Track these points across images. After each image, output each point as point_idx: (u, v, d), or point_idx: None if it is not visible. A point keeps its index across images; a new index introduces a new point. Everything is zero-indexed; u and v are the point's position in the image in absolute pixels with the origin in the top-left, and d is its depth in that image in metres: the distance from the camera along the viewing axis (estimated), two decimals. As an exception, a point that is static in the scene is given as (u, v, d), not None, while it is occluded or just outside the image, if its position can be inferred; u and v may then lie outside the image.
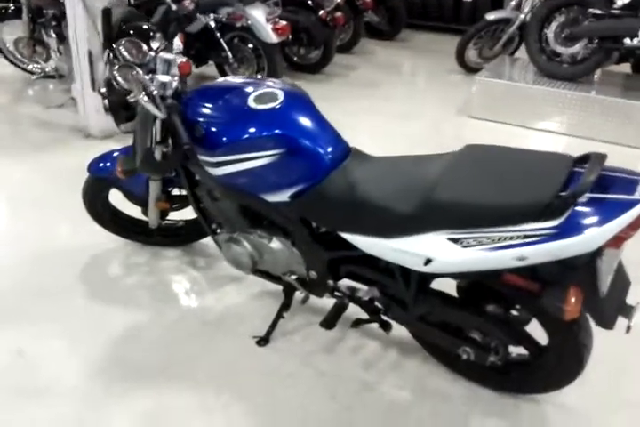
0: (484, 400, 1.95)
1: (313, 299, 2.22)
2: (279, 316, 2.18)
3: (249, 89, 1.79)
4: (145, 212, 2.46)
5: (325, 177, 1.70)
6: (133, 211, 2.58)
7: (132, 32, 3.65)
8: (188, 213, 2.53)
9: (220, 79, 1.94)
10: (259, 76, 1.95)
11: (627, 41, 3.98)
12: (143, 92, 1.66)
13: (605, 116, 4.16)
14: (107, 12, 1.79)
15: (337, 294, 1.98)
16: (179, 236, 2.64)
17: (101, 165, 2.29)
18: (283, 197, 1.77)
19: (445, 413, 1.91)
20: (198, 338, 2.20)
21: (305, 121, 1.73)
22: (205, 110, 1.77)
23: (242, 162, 1.73)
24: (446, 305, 1.74)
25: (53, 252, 2.66)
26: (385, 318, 1.98)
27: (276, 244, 1.95)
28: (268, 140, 1.68)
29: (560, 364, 1.72)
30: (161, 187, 2.25)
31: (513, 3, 5.12)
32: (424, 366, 2.08)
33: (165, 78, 1.81)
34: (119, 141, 3.77)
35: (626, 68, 5.00)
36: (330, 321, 1.93)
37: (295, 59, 5.19)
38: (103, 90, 1.92)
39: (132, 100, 1.68)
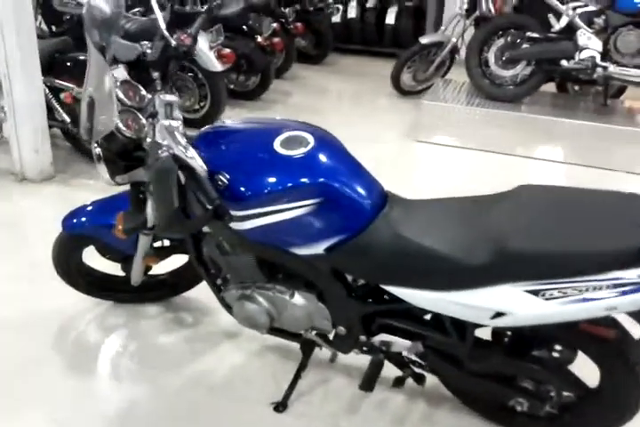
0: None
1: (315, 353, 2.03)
2: (297, 377, 1.98)
3: (270, 132, 1.61)
4: (125, 268, 2.19)
5: (367, 226, 1.55)
6: (103, 266, 2.30)
7: (68, 64, 3.35)
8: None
9: (231, 120, 1.75)
10: (277, 117, 1.77)
11: (564, 63, 4.14)
12: (186, 147, 1.43)
13: (546, 134, 4.30)
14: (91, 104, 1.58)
15: (365, 349, 1.82)
16: (159, 291, 2.37)
17: (76, 220, 2.01)
18: (317, 249, 1.60)
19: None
20: (206, 408, 1.95)
21: (341, 166, 1.58)
22: (224, 158, 1.56)
23: (272, 214, 1.55)
24: (503, 356, 1.63)
25: (12, 321, 2.30)
26: (417, 370, 1.85)
27: (298, 299, 1.77)
28: (304, 190, 1.51)
29: (616, 404, 1.65)
30: (151, 241, 2.00)
31: (444, 27, 5.23)
32: (456, 416, 1.95)
33: (173, 123, 1.60)
34: (61, 184, 3.42)
35: (551, 87, 5.25)
36: (370, 382, 1.77)
37: (232, 86, 5.00)
38: (100, 140, 1.67)
39: (163, 154, 1.45)
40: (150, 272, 2.27)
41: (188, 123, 4.74)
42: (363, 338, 1.78)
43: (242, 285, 1.85)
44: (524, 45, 4.24)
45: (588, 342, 1.53)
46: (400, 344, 1.74)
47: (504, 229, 1.41)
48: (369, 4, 6.77)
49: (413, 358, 1.79)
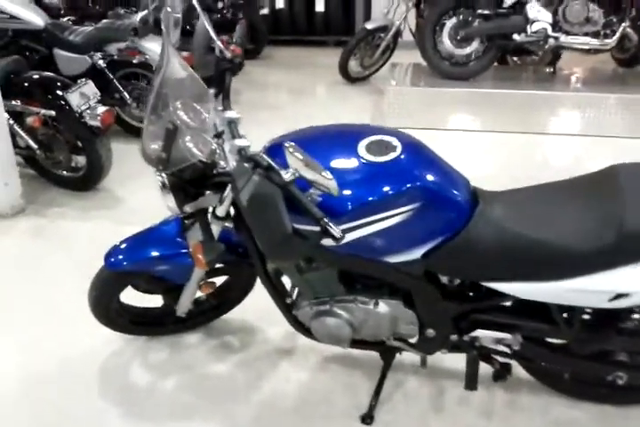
0: (611, 418, 1.88)
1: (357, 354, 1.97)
2: (381, 386, 1.92)
3: (350, 139, 1.52)
4: (169, 299, 2.03)
5: (467, 224, 1.50)
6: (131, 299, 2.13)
7: (26, 85, 3.06)
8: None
9: (295, 131, 1.63)
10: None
11: (515, 37, 4.24)
12: (311, 168, 1.29)
13: (509, 108, 4.39)
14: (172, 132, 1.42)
15: (454, 347, 1.78)
16: (202, 316, 2.22)
17: (119, 256, 1.84)
18: (414, 255, 1.53)
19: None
20: (291, 434, 1.86)
21: (433, 167, 1.52)
22: None
23: (369, 225, 1.47)
24: (614, 334, 1.63)
25: (48, 375, 2.08)
26: (502, 359, 1.83)
27: (383, 307, 1.70)
28: (402, 196, 1.44)
29: None
30: (207, 268, 1.86)
31: (385, 10, 5.22)
32: (538, 398, 1.97)
33: (244, 142, 1.47)
34: (36, 216, 3.17)
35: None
36: (473, 380, 1.73)
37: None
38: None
39: (289, 178, 1.30)
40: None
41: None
42: (454, 337, 1.74)
43: (318, 301, 1.75)
44: (476, 23, 4.31)
45: None
46: (497, 338, 1.71)
47: (618, 210, 1.40)
48: (296, -7, 6.70)
49: (502, 348, 1.77)
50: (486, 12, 4.22)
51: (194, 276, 1.86)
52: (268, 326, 2.29)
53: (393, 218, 1.46)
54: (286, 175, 1.32)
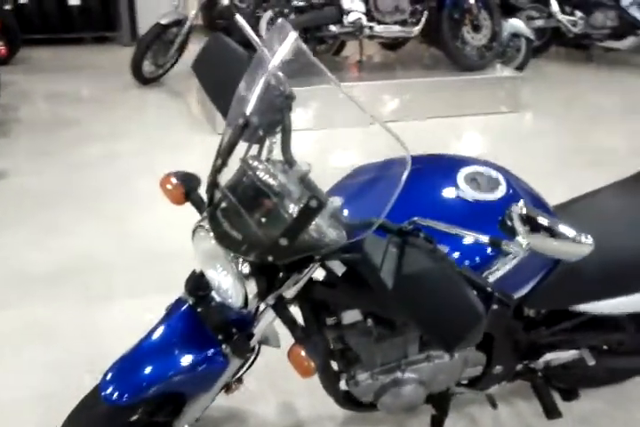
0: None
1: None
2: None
3: (444, 171, 1.25)
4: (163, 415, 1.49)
5: None
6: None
7: None
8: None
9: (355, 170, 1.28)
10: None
11: (332, 28, 4.17)
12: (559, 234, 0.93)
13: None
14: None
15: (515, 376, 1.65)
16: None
17: (123, 382, 1.25)
18: (516, 295, 1.35)
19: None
20: None
21: (534, 196, 1.36)
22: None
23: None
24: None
25: None
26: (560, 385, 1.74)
27: (456, 356, 1.48)
28: None
29: None
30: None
31: (175, 3, 4.70)
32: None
33: (338, 201, 1.07)
34: None
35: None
36: (554, 407, 1.61)
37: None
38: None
39: (521, 253, 0.91)
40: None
41: None
42: (519, 367, 1.60)
43: (383, 369, 1.45)
44: (292, 16, 4.12)
45: None
46: (565, 357, 1.61)
47: None
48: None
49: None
50: (301, 3, 4.06)
51: (227, 373, 1.35)
52: (252, 404, 1.86)
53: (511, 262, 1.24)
54: (514, 248, 0.98)
